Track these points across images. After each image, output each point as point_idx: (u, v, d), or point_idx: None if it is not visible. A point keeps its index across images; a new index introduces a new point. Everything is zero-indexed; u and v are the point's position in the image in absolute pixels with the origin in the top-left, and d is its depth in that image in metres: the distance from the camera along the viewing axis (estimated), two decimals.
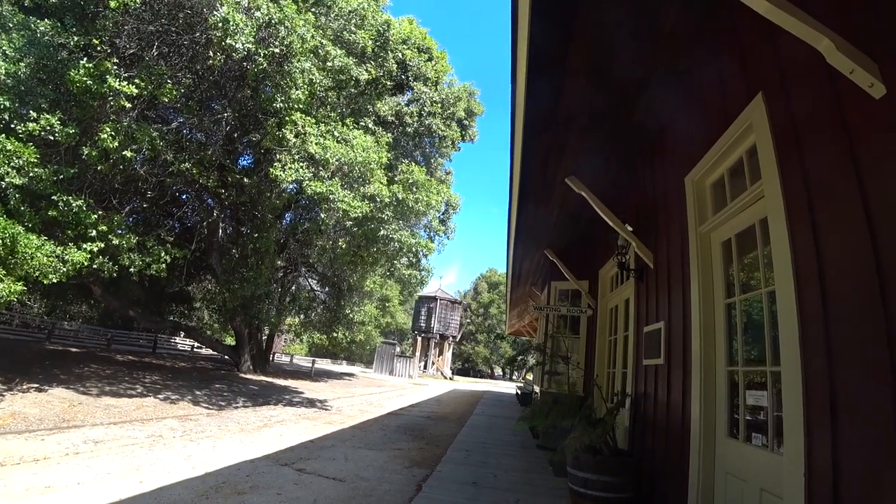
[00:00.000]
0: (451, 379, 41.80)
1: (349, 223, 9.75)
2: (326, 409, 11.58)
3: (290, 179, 8.52)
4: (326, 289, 19.96)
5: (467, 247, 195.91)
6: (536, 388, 12.09)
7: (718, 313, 3.43)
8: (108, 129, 7.61)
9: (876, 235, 1.86)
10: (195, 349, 26.69)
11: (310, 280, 20.89)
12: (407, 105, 14.37)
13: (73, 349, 17.70)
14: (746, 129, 3.03)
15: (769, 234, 2.67)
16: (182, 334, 24.91)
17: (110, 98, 7.69)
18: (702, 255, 3.65)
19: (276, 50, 8.20)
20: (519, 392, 17.30)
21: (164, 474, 4.66)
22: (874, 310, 1.82)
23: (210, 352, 22.99)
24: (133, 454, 5.38)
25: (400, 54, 13.20)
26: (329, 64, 9.36)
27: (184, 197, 12.92)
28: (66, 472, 4.50)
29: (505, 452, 6.97)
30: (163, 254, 9.40)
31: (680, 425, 3.59)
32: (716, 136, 3.39)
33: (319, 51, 9.24)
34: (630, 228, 5.13)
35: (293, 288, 19.80)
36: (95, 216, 8.06)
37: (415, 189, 10.42)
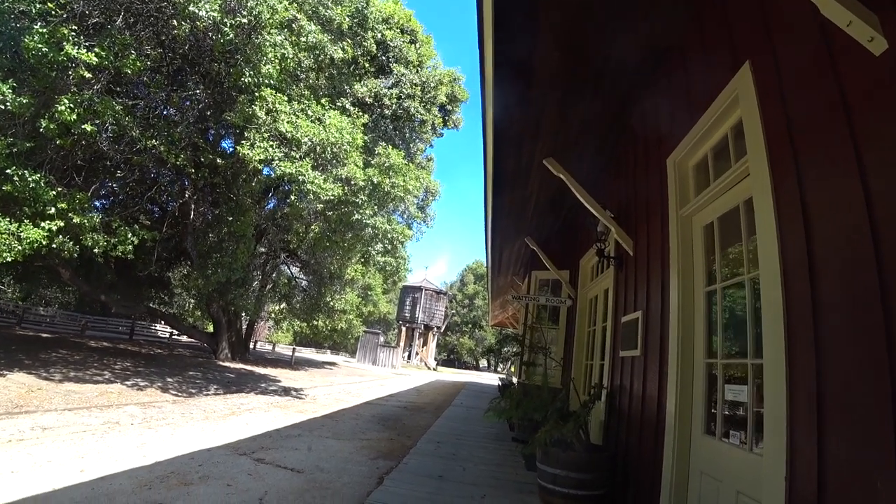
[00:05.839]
0: (434, 370, 41.71)
1: (320, 206, 9.36)
2: (301, 398, 11.30)
3: (258, 159, 8.12)
4: (310, 276, 19.61)
5: (456, 238, 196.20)
6: (515, 380, 11.94)
7: (698, 302, 3.22)
8: (65, 101, 7.17)
9: (874, 210, 1.63)
10: (174, 336, 26.15)
11: (291, 267, 20.53)
12: (389, 88, 13.92)
13: (45, 335, 17.23)
14: (732, 103, 2.82)
15: (754, 216, 2.45)
16: (162, 321, 24.40)
17: (69, 67, 7.23)
18: (682, 239, 3.44)
19: (244, 20, 7.76)
20: (500, 384, 17.22)
21: (111, 463, 4.36)
22: (871, 297, 1.60)
23: (192, 339, 22.56)
24: (82, 441, 5.07)
25: (380, 34, 12.69)
26: (303, 39, 8.92)
27: (158, 177, 12.43)
28: (1, 459, 4.19)
29: (478, 444, 6.76)
30: (129, 235, 8.98)
31: (655, 420, 3.39)
32: (700, 112, 3.18)
33: (293, 25, 8.82)
34: (611, 215, 4.91)
35: (273, 274, 19.44)
36: (54, 193, 7.62)
37: (392, 173, 10.04)
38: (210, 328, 22.35)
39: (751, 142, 2.52)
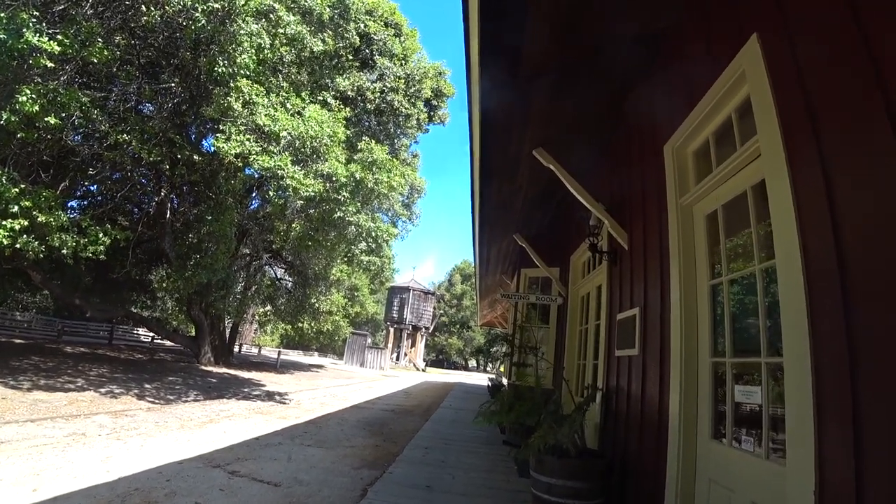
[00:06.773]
0: (423, 370, 41.37)
1: (300, 203, 9.00)
2: (284, 403, 10.94)
3: (234, 152, 7.77)
4: (294, 277, 19.21)
5: (444, 238, 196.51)
6: (505, 381, 11.72)
7: (701, 296, 2.99)
8: (27, 91, 6.75)
9: None
10: (156, 340, 25.49)
11: (275, 268, 20.12)
12: (373, 82, 13.54)
13: (18, 340, 16.64)
14: (737, 81, 2.60)
15: (766, 201, 2.22)
16: (142, 325, 23.78)
17: (29, 56, 6.81)
18: (683, 230, 3.21)
19: (217, 5, 7.39)
20: (490, 384, 16.98)
21: (69, 480, 4.02)
22: None
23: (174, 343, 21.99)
24: (41, 456, 4.70)
25: (363, 25, 12.33)
26: (281, 31, 8.56)
27: (133, 175, 11.97)
28: None
29: (468, 450, 6.51)
30: (101, 235, 8.55)
31: (657, 424, 3.16)
32: (700, 94, 2.95)
33: (271, 15, 8.46)
34: (604, 207, 4.69)
35: (257, 276, 19.02)
36: (17, 190, 7.19)
37: (375, 169, 9.70)
38: (193, 332, 21.83)
39: (762, 120, 2.29)
